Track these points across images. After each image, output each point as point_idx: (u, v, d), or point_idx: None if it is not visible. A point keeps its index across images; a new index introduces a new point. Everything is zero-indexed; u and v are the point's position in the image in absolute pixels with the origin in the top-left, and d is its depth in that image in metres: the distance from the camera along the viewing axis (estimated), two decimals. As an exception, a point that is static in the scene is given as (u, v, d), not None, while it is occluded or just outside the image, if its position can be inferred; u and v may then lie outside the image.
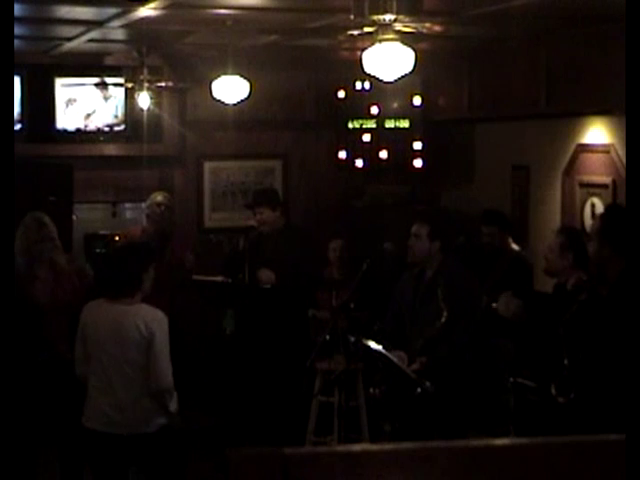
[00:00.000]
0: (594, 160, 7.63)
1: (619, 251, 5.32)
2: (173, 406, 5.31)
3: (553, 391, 5.57)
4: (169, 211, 8.26)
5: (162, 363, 5.24)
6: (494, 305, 6.67)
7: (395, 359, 6.14)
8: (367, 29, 5.05)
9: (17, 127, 8.87)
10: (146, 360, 5.22)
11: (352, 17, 5.00)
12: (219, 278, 7.70)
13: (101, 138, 9.34)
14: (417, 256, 6.47)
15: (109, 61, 9.05)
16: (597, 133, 7.60)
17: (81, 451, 5.89)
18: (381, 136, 9.20)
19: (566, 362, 5.52)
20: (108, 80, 9.02)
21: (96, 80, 9.13)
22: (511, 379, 6.38)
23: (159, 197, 8.23)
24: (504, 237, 7.73)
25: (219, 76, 7.44)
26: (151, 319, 5.27)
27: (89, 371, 5.35)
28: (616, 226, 5.46)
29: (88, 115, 9.28)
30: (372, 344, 6.15)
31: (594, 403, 5.34)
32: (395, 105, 9.17)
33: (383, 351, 6.11)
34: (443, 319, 6.11)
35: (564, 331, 5.63)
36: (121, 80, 8.56)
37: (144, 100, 8.39)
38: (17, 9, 5.89)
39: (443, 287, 6.17)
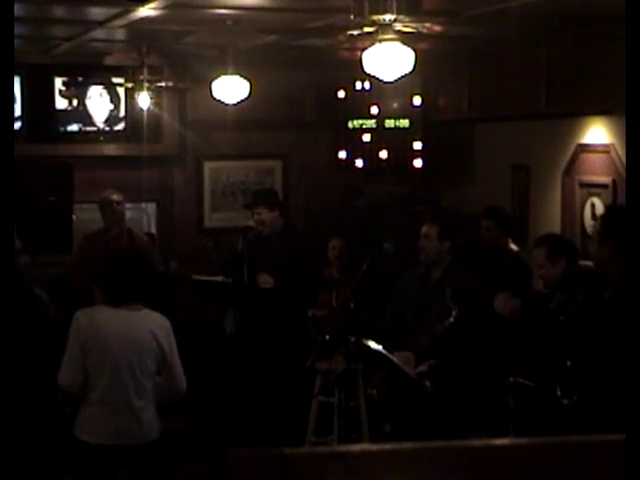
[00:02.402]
0: (594, 160, 7.63)
1: (620, 251, 5.32)
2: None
3: (558, 393, 5.57)
4: (123, 208, 8.51)
5: (179, 371, 5.21)
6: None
7: (395, 359, 6.14)
8: (367, 29, 5.05)
9: (17, 127, 8.87)
10: (156, 367, 5.15)
11: (352, 17, 5.00)
12: (219, 278, 7.70)
13: (101, 138, 9.34)
14: (428, 256, 6.49)
15: (109, 61, 9.05)
16: (597, 133, 7.60)
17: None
18: (381, 136, 9.20)
19: (569, 364, 5.52)
20: (108, 80, 9.03)
21: (96, 80, 9.14)
22: (511, 379, 6.38)
23: (113, 195, 8.41)
24: (502, 235, 7.70)
25: (219, 76, 7.43)
26: (162, 326, 5.19)
27: (91, 382, 5.11)
28: (617, 226, 5.45)
29: (88, 115, 9.29)
30: (372, 344, 6.15)
31: (598, 404, 5.34)
32: (395, 105, 9.17)
33: (383, 351, 6.11)
34: (452, 319, 6.11)
35: (564, 332, 5.62)
36: (121, 80, 8.57)
37: (144, 100, 8.40)
38: (17, 9, 5.89)
39: (451, 287, 6.18)
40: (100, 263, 5.52)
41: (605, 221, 5.73)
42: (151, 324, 5.17)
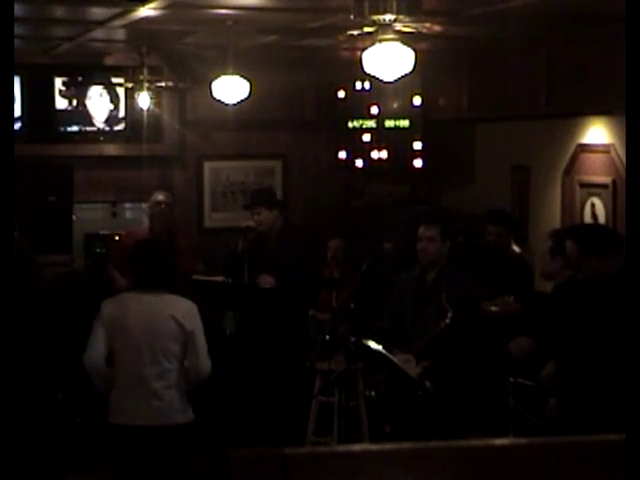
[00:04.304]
0: (594, 160, 7.63)
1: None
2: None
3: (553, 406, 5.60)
4: (170, 209, 8.49)
5: (203, 357, 5.39)
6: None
7: (395, 359, 6.13)
8: (367, 29, 5.05)
9: (17, 127, 8.87)
10: (182, 351, 5.31)
11: (352, 17, 5.00)
12: (219, 278, 7.71)
13: (101, 138, 9.34)
14: (431, 258, 6.40)
15: (109, 61, 9.05)
16: (597, 133, 7.60)
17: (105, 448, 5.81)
18: (381, 136, 9.19)
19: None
20: (108, 80, 9.03)
21: (96, 80, 9.14)
22: (511, 379, 6.39)
23: (160, 196, 8.41)
24: (508, 238, 7.69)
25: (219, 76, 7.43)
26: (187, 311, 5.36)
27: (116, 365, 5.33)
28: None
29: (88, 115, 9.29)
30: (372, 344, 6.15)
31: (596, 409, 5.33)
32: (395, 105, 9.16)
33: (383, 351, 6.11)
34: (447, 320, 6.09)
35: (565, 317, 5.64)
36: (121, 80, 8.56)
37: (144, 100, 8.39)
38: (17, 9, 5.89)
39: (447, 288, 6.16)
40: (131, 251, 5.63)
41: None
42: (172, 308, 5.32)
